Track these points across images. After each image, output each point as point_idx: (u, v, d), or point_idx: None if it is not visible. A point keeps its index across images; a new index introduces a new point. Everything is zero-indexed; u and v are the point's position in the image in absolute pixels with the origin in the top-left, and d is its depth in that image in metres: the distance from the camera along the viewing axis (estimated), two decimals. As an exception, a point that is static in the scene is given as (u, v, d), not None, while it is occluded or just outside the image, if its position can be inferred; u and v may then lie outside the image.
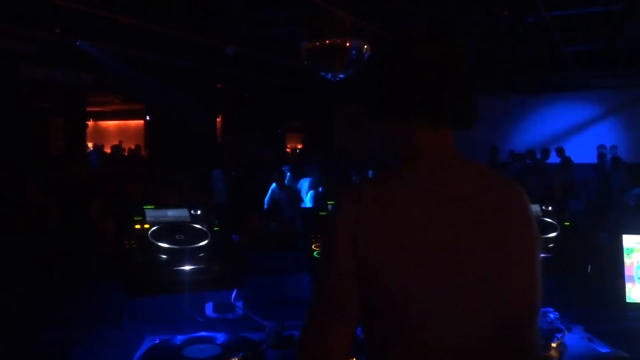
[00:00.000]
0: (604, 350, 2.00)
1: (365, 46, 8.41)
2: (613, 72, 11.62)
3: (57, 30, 8.49)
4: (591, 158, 11.37)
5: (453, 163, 1.21)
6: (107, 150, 18.42)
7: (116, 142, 19.37)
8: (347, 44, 8.50)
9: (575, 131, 13.37)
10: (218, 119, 16.39)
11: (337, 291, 1.12)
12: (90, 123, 19.20)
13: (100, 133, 21.12)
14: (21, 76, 10.94)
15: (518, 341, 1.15)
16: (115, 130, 21.64)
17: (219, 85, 14.56)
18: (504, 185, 1.22)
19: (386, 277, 1.07)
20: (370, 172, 8.92)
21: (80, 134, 15.41)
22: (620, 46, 8.98)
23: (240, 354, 1.74)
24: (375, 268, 1.08)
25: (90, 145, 17.94)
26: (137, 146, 18.14)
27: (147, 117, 16.83)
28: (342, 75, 8.25)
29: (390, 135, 1.25)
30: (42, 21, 8.06)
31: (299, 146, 20.40)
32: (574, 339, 2.07)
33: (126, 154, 17.76)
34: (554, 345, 1.89)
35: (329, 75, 8.32)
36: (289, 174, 8.81)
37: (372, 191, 1.15)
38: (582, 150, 11.91)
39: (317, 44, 8.43)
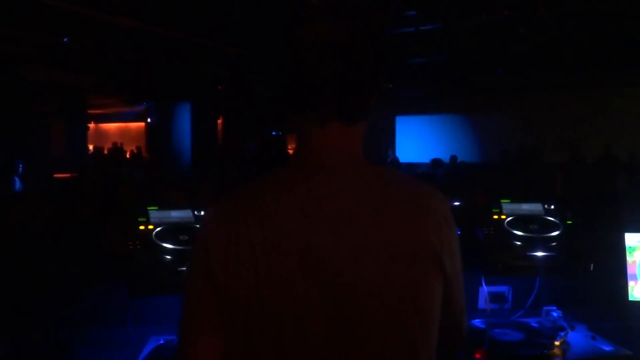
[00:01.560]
0: (606, 347, 2.01)
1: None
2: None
3: (65, 40, 8.50)
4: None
5: (345, 171, 1.06)
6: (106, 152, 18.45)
7: (117, 144, 19.40)
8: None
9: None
10: (219, 121, 16.42)
11: (203, 303, 1.03)
12: (91, 125, 19.23)
13: (101, 135, 21.16)
14: (22, 79, 10.98)
15: None
16: (116, 132, 21.68)
17: (219, 87, 14.58)
18: (409, 194, 1.06)
19: (243, 292, 0.99)
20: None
21: (81, 136, 15.44)
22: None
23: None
24: (228, 291, 1.00)
25: (91, 147, 17.98)
26: (137, 148, 18.17)
27: (148, 120, 16.87)
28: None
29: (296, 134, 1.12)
30: (43, 24, 8.08)
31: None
32: (577, 337, 2.08)
33: (128, 156, 17.82)
34: (557, 343, 1.90)
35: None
36: None
37: (235, 207, 1.05)
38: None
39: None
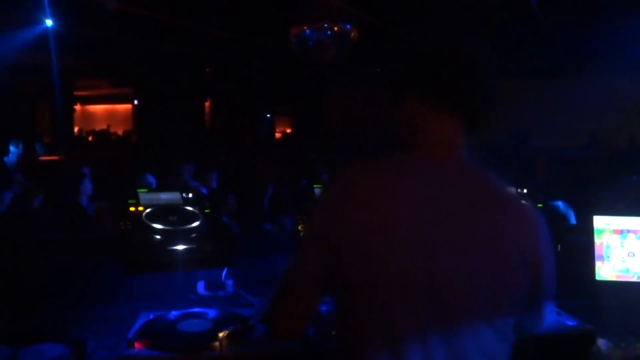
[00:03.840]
0: (570, 322, 2.13)
1: (353, 31, 8.46)
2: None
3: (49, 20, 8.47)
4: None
5: (458, 162, 1.21)
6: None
7: (104, 127, 19.32)
8: (335, 29, 8.54)
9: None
10: (207, 103, 16.40)
11: (308, 264, 1.20)
12: (78, 107, 19.11)
13: (88, 117, 21.02)
14: (8, 60, 10.89)
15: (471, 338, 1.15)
16: (103, 114, 21.54)
17: (207, 70, 14.55)
18: (506, 202, 1.21)
19: (349, 263, 1.14)
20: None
21: (68, 118, 15.37)
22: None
23: (231, 327, 1.85)
24: (339, 251, 1.15)
25: (76, 129, 17.89)
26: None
27: (135, 101, 16.81)
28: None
29: (402, 118, 1.27)
30: (29, 4, 8.04)
31: (288, 130, 20.44)
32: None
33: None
34: (523, 318, 2.01)
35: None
36: None
37: (357, 178, 1.19)
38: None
39: (305, 28, 8.46)
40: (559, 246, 2.39)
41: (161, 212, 2.19)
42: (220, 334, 1.81)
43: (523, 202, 1.25)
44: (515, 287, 1.17)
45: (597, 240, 2.44)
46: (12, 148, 9.02)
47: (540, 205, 2.49)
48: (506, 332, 1.19)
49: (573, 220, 2.06)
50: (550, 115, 12.65)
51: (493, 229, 1.16)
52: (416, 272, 1.11)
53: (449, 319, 1.12)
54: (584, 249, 2.45)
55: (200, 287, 2.30)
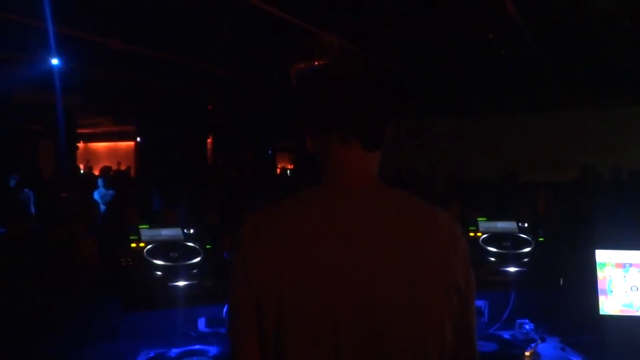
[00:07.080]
0: (575, 358, 2.11)
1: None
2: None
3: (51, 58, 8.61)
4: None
5: (365, 186, 1.21)
6: (96, 172, 18.38)
7: (106, 164, 19.35)
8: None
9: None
10: (208, 140, 16.50)
11: (242, 311, 1.16)
12: (81, 145, 19.20)
13: (90, 155, 21.11)
14: (12, 98, 11.01)
15: None
16: (106, 152, 21.64)
17: (209, 107, 14.69)
18: (426, 216, 1.21)
19: (269, 302, 1.11)
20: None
21: (71, 156, 15.43)
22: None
23: (232, 365, 1.83)
24: (261, 293, 1.12)
25: (81, 166, 17.93)
26: (128, 167, 18.15)
27: (138, 139, 16.91)
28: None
29: (313, 151, 1.28)
30: (33, 45, 8.16)
31: (290, 166, 20.48)
32: (548, 348, 2.18)
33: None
34: (527, 353, 2.00)
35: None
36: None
37: (269, 217, 1.20)
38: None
39: (306, 65, 8.58)
40: (562, 281, 2.38)
41: (162, 248, 2.19)
42: (221, 372, 1.79)
43: (440, 212, 1.22)
44: (446, 308, 1.14)
45: (600, 275, 2.42)
46: None
47: (541, 239, 2.49)
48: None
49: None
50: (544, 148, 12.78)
51: (414, 248, 1.15)
52: (335, 307, 1.09)
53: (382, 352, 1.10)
54: (586, 284, 2.43)
55: (201, 324, 2.28)
